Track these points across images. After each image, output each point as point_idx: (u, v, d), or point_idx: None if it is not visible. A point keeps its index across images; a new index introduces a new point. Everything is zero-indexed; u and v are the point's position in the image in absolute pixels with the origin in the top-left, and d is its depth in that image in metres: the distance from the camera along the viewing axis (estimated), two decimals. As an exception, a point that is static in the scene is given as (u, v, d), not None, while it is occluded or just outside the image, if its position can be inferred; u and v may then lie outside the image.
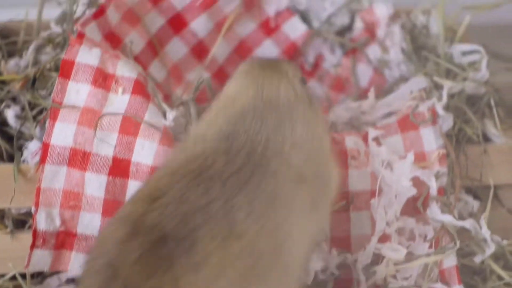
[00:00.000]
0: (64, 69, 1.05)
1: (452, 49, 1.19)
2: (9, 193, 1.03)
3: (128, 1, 1.22)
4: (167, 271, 0.79)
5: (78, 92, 1.04)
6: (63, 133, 1.02)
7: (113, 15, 1.19)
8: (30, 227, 1.05)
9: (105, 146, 1.02)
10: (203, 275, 0.80)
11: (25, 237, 1.04)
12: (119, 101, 1.04)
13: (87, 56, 1.06)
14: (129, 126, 1.02)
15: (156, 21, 1.25)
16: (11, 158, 1.07)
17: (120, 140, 1.01)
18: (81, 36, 1.09)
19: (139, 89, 1.06)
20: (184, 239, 0.80)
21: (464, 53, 1.19)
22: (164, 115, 1.06)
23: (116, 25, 1.20)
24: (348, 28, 1.33)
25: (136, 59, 1.20)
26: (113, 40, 1.13)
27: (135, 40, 1.22)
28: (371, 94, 1.14)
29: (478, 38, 1.27)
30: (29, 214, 1.05)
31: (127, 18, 1.22)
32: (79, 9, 1.25)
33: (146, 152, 1.01)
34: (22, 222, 1.07)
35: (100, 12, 1.17)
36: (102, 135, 1.02)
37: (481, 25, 1.34)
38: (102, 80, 1.05)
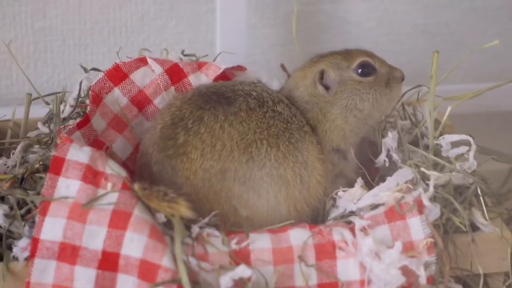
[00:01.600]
0: (55, 166, 1.13)
1: (440, 140, 1.28)
2: (-2, 292, 1.10)
3: (113, 108, 1.32)
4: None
5: (68, 187, 1.12)
6: (53, 228, 1.09)
7: (98, 123, 1.29)
8: (19, 325, 1.11)
9: (95, 240, 1.09)
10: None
11: (15, 335, 1.11)
12: (109, 196, 1.12)
13: (78, 153, 1.15)
14: (119, 220, 1.09)
15: (143, 126, 1.34)
16: (0, 257, 1.14)
17: (109, 233, 1.09)
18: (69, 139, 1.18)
19: (128, 186, 1.14)
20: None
21: (453, 143, 1.27)
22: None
23: (102, 133, 1.29)
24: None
25: (124, 164, 1.28)
26: (99, 147, 1.22)
27: (123, 145, 1.31)
28: (358, 183, 1.23)
29: (462, 126, 1.37)
30: (18, 312, 1.12)
31: (114, 125, 1.31)
32: (67, 109, 1.35)
33: (135, 245, 1.08)
34: (11, 320, 1.13)
35: (84, 122, 1.27)
36: (91, 229, 1.09)
37: (463, 114, 1.44)
38: (92, 177, 1.13)
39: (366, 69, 1.30)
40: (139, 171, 1.22)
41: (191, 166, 1.19)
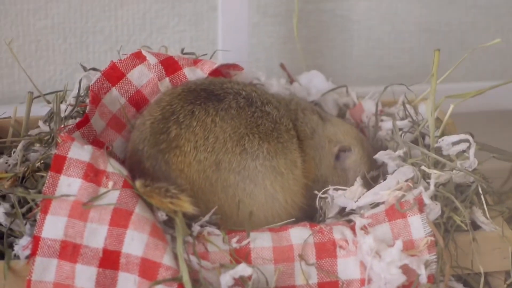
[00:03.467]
0: (56, 164, 1.14)
1: (440, 142, 1.28)
2: (-1, 291, 1.11)
3: (112, 108, 1.32)
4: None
5: (69, 186, 1.13)
6: (54, 226, 1.10)
7: (97, 123, 1.29)
8: (21, 324, 1.11)
9: (96, 238, 1.10)
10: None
11: (16, 333, 1.11)
12: (110, 194, 1.12)
13: (79, 152, 1.15)
14: (120, 218, 1.10)
15: None
16: (1, 256, 1.14)
17: (110, 232, 1.10)
18: (71, 137, 1.18)
19: (129, 185, 1.14)
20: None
21: (453, 143, 1.28)
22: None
23: (101, 133, 1.30)
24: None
25: (124, 164, 1.28)
26: (99, 147, 1.22)
27: (122, 145, 1.32)
28: (358, 182, 1.23)
29: (463, 125, 1.37)
30: (19, 311, 1.12)
31: (112, 125, 1.32)
32: (67, 108, 1.36)
33: (136, 243, 1.09)
34: (12, 318, 1.14)
35: (84, 122, 1.28)
36: (92, 227, 1.10)
37: (465, 113, 1.44)
38: (94, 175, 1.14)
39: None
40: (130, 170, 1.21)
41: (185, 159, 1.19)
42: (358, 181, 1.24)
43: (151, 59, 1.34)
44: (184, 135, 1.20)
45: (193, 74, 1.34)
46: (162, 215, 1.13)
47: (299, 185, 1.25)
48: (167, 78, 1.34)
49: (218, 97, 1.24)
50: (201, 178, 1.19)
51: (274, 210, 1.22)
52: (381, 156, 1.29)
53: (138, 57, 1.35)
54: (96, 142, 1.29)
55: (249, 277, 1.09)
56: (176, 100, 1.24)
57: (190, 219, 1.14)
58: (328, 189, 1.25)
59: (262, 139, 1.22)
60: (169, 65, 1.34)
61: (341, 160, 1.33)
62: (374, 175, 1.33)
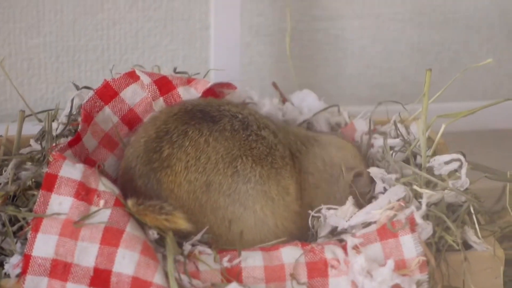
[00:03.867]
0: (47, 182, 1.14)
1: (432, 162, 1.29)
2: (-12, 309, 1.10)
3: (104, 127, 1.33)
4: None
5: (60, 204, 1.13)
6: (45, 245, 1.10)
7: (89, 142, 1.30)
8: None
9: (87, 257, 1.10)
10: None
11: None
12: (101, 213, 1.12)
13: (71, 170, 1.16)
14: (111, 236, 1.10)
15: None
16: (-10, 274, 1.15)
17: (101, 250, 1.10)
18: (62, 156, 1.19)
19: (121, 203, 1.15)
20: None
21: (445, 162, 1.28)
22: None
23: (93, 151, 1.31)
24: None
25: (116, 183, 1.29)
26: (91, 165, 1.23)
27: (114, 164, 1.32)
28: (349, 201, 1.24)
29: (455, 144, 1.38)
30: (9, 329, 1.12)
31: (105, 143, 1.32)
32: (59, 127, 1.36)
33: (127, 262, 1.09)
34: (2, 337, 1.14)
35: (75, 140, 1.28)
36: (83, 246, 1.10)
37: (457, 132, 1.45)
38: (85, 193, 1.15)
39: None
40: (122, 188, 1.21)
41: (176, 179, 1.20)
42: (350, 201, 1.24)
43: (145, 79, 1.34)
44: (176, 155, 1.21)
45: (187, 93, 1.35)
46: (153, 234, 1.13)
47: (289, 211, 1.25)
48: (161, 98, 1.34)
49: (213, 118, 1.25)
50: (191, 199, 1.19)
51: (263, 234, 1.22)
52: (374, 173, 1.29)
53: (132, 76, 1.35)
54: (88, 160, 1.29)
55: (240, 296, 1.09)
56: (171, 119, 1.25)
57: (181, 238, 1.15)
58: (321, 208, 1.25)
59: (255, 162, 1.22)
60: (163, 85, 1.35)
61: (356, 184, 1.32)
62: (366, 191, 1.33)
